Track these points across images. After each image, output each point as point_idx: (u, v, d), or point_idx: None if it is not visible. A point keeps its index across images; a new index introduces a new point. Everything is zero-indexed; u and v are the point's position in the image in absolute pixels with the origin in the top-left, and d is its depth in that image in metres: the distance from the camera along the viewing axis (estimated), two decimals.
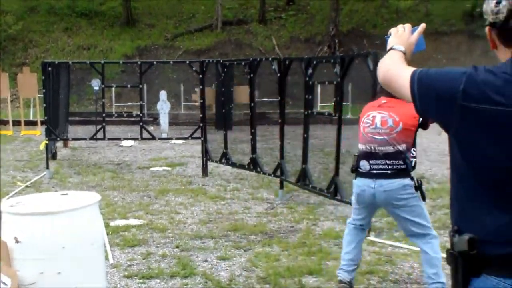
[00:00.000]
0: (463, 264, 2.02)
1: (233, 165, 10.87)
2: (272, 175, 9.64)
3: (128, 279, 5.76)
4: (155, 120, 20.80)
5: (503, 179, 1.96)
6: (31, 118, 20.52)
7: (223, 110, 11.07)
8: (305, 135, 8.65)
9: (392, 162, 4.88)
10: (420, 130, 4.95)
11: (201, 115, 11.42)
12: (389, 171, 4.89)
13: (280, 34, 31.01)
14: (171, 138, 12.95)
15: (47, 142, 11.40)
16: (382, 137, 4.92)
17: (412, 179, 4.89)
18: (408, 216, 4.94)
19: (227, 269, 6.05)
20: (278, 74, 9.27)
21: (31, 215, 4.14)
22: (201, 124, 11.36)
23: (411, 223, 4.96)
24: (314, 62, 8.50)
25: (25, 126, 18.93)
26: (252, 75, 9.91)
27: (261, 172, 9.98)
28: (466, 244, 1.99)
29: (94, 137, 11.67)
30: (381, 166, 4.92)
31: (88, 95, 24.68)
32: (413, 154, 4.97)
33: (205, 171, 11.43)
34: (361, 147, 5.06)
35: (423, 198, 4.97)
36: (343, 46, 29.73)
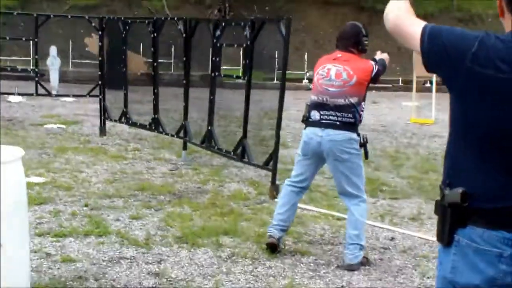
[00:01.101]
0: (452, 215, 2.15)
1: (134, 124, 10.75)
2: (175, 136, 9.61)
3: (40, 238, 5.62)
4: (41, 76, 20.04)
5: (496, 139, 2.09)
6: None
7: (124, 70, 10.83)
8: (211, 97, 8.70)
9: (342, 114, 5.02)
10: None
11: (99, 73, 11.18)
12: (338, 122, 5.02)
13: None
14: (68, 95, 12.57)
15: None
16: (335, 89, 5.06)
17: (358, 135, 5.07)
18: (346, 171, 5.08)
19: (141, 228, 6.03)
20: (184, 35, 9.20)
21: None
22: (100, 82, 11.12)
23: (347, 181, 5.11)
24: (223, 24, 8.51)
25: None
26: (155, 35, 9.77)
27: (164, 133, 9.93)
28: (459, 196, 2.11)
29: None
30: (331, 117, 5.05)
31: None
32: (363, 108, 5.13)
33: (103, 131, 11.22)
34: (314, 97, 5.20)
35: (366, 156, 5.15)
36: (233, 10, 29.74)
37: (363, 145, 5.08)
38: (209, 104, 8.71)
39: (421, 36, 2.20)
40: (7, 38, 12.88)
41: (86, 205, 6.71)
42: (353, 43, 5.21)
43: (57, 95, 12.57)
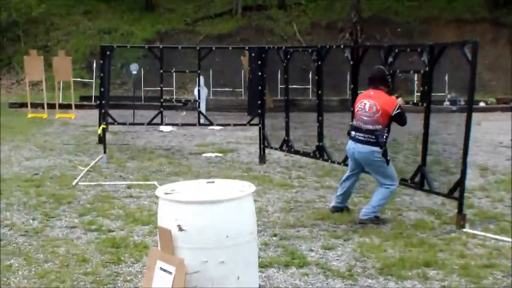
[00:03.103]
0: None
1: (296, 152, 10.78)
2: (342, 164, 9.54)
3: None
4: (184, 105, 20.68)
5: None
6: (60, 101, 20.37)
7: (286, 97, 10.91)
8: None
9: (368, 135, 7.11)
10: None
11: (259, 102, 11.32)
12: (364, 140, 7.15)
13: (301, 20, 30.84)
14: (229, 125, 12.79)
15: (105, 126, 11.31)
16: (367, 118, 7.16)
17: (381, 147, 7.06)
18: (373, 172, 7.37)
19: (337, 259, 5.99)
20: (351, 62, 9.17)
21: (198, 203, 4.07)
22: (260, 111, 11.27)
23: (376, 177, 7.39)
24: (396, 51, 8.39)
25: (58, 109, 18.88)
26: (320, 63, 9.80)
27: (329, 161, 9.90)
28: None
29: (152, 122, 11.59)
30: (360, 136, 7.19)
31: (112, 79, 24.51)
32: (386, 133, 7.15)
33: (263, 159, 11.34)
34: (354, 122, 7.36)
35: (387, 162, 7.15)
36: (365, 33, 29.56)
37: (384, 155, 7.09)
38: None
39: None
40: (173, 70, 13.35)
41: (274, 235, 6.76)
42: (381, 82, 7.27)
43: (218, 124, 12.82)
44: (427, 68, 7.74)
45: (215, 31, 29.79)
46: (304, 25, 30.49)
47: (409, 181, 8.10)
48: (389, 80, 7.34)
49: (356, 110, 7.33)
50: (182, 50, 20.70)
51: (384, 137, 7.10)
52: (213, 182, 4.58)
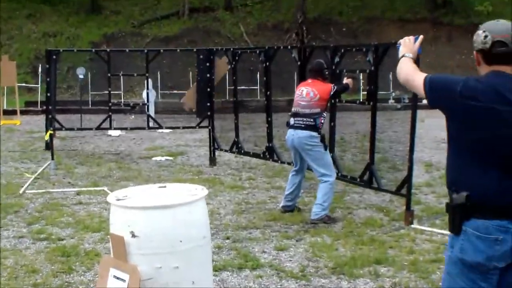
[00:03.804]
0: (460, 213, 2.92)
1: (246, 154, 10.80)
2: (292, 164, 9.60)
3: None
4: (133, 108, 20.52)
5: (485, 150, 2.87)
6: (4, 107, 19.93)
7: (235, 98, 10.93)
8: (332, 124, 8.68)
9: (307, 119, 7.34)
10: None
11: (208, 104, 11.31)
12: (303, 125, 7.37)
13: (248, 21, 30.90)
14: (178, 127, 12.71)
15: (52, 132, 11.13)
16: (304, 103, 7.42)
17: (319, 133, 7.33)
18: (311, 161, 7.42)
19: (290, 260, 6.03)
20: (299, 63, 9.25)
21: (151, 209, 4.06)
22: (209, 113, 11.25)
23: (313, 166, 7.46)
24: (342, 50, 8.50)
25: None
26: (267, 64, 9.85)
27: (279, 161, 9.95)
28: (465, 199, 2.89)
29: (100, 126, 11.45)
30: (299, 122, 7.40)
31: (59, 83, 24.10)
32: (323, 116, 7.45)
33: (213, 161, 11.34)
34: (293, 109, 7.57)
35: (325, 148, 7.40)
36: (311, 33, 29.80)
37: (322, 140, 7.34)
38: (330, 130, 8.66)
39: (424, 86, 3.08)
40: (121, 73, 13.21)
41: (227, 238, 6.77)
42: (319, 74, 7.57)
43: (167, 128, 12.76)
44: (372, 68, 7.86)
45: (162, 33, 29.62)
46: (251, 26, 30.56)
47: (358, 180, 8.22)
48: (327, 72, 7.70)
49: (295, 98, 7.63)
50: (130, 53, 20.53)
51: (322, 120, 7.41)
52: (165, 186, 4.56)
